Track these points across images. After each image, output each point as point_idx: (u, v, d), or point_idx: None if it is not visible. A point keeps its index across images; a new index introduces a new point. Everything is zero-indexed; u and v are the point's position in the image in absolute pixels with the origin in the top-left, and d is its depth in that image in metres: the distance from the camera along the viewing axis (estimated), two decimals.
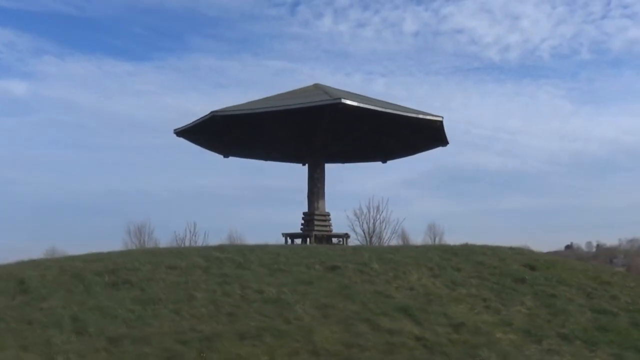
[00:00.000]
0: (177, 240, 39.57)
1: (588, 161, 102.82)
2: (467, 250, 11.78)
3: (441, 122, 15.89)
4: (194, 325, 7.16)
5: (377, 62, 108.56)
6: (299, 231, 17.11)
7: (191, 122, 16.37)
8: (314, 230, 16.55)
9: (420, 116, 15.56)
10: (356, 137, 17.85)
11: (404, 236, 37.19)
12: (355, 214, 35.62)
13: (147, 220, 49.34)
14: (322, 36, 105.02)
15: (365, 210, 34.75)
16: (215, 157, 19.48)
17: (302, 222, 17.29)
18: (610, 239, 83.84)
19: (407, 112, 15.57)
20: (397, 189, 71.10)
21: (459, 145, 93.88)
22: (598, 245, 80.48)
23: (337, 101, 14.24)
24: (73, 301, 8.21)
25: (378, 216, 34.14)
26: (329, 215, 17.28)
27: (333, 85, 18.07)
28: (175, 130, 17.19)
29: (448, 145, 17.86)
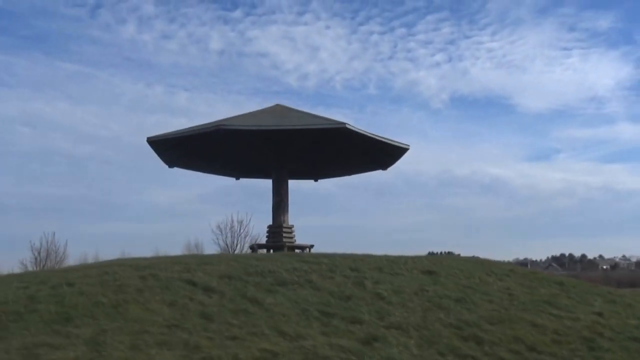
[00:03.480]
0: (33, 252, 36.18)
1: (373, 186, 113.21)
2: (478, 261, 14.32)
3: (407, 149, 18.38)
4: (428, 316, 8.50)
5: (181, 76, 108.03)
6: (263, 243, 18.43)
7: (183, 131, 16.59)
8: (283, 241, 17.81)
9: (395, 143, 17.79)
10: (316, 157, 19.50)
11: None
12: (219, 228, 37.36)
13: None
14: (124, 43, 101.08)
15: (228, 224, 36.77)
16: None
17: (268, 234, 18.49)
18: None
19: (385, 139, 17.60)
20: (190, 203, 73.36)
21: None
22: None
23: (342, 126, 15.95)
24: (287, 299, 8.76)
25: (241, 230, 36.36)
26: (293, 227, 18.63)
27: None
28: (149, 138, 17.15)
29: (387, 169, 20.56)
